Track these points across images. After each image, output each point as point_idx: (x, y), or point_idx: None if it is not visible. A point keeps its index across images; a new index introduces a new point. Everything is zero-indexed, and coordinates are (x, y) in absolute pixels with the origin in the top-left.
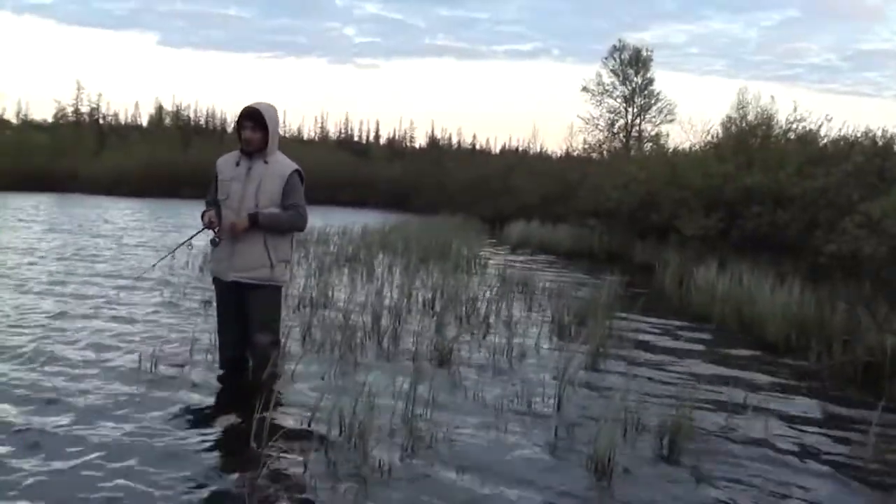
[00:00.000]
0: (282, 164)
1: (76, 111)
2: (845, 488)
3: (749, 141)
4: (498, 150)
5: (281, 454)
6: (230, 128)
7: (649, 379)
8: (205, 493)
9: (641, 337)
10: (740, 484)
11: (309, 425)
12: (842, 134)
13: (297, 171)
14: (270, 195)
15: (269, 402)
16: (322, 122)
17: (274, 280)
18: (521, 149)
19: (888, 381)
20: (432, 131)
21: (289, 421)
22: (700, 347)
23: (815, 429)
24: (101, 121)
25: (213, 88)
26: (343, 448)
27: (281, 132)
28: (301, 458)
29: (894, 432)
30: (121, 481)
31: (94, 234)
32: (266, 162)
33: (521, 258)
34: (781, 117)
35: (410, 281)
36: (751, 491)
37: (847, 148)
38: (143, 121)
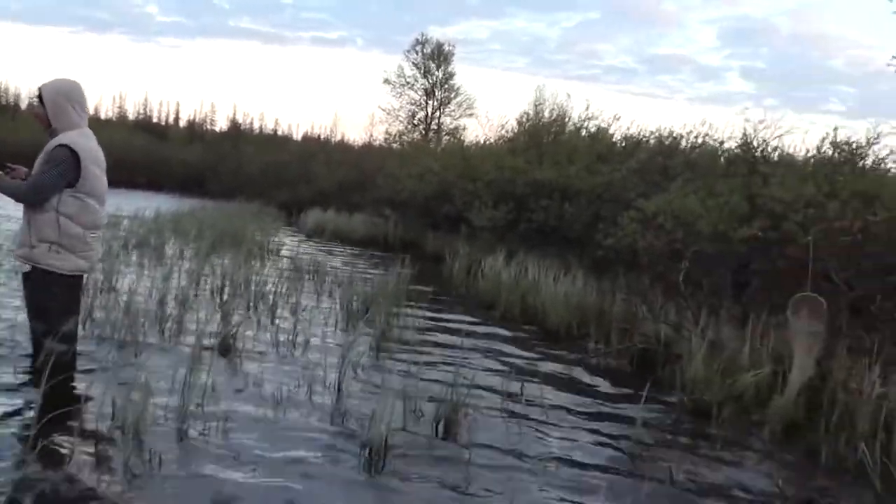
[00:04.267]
0: (55, 140)
1: None
2: (613, 462)
3: (542, 137)
4: (299, 137)
5: (50, 446)
6: (23, 104)
7: (431, 364)
8: None
9: (427, 324)
10: (512, 465)
11: (80, 416)
12: (631, 133)
13: (62, 146)
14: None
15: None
16: (120, 102)
17: (35, 261)
18: (322, 136)
19: (661, 366)
20: (234, 115)
21: (59, 411)
22: (484, 334)
23: (590, 409)
24: None
25: (7, 62)
26: (115, 440)
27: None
28: (69, 450)
29: (660, 412)
30: None
31: None
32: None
33: (315, 245)
34: (576, 115)
35: (200, 267)
36: (521, 469)
37: (633, 146)
38: None
